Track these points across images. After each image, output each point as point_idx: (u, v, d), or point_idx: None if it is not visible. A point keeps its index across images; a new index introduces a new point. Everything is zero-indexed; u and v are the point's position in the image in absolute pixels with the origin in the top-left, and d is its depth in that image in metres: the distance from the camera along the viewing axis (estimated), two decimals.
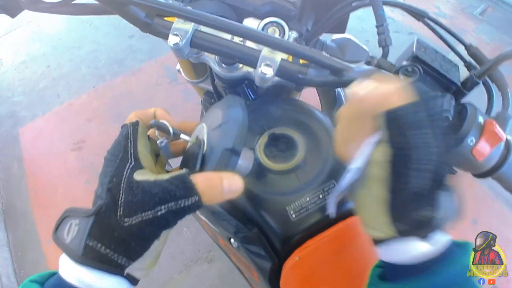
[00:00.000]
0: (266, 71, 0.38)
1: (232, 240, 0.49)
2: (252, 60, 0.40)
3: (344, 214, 0.40)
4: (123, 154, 0.33)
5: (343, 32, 0.61)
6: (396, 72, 0.39)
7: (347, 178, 0.32)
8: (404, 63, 0.38)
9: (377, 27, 0.40)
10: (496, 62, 0.39)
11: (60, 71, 2.29)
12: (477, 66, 0.43)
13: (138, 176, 0.31)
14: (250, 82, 0.58)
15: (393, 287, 0.30)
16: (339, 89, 0.68)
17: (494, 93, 0.43)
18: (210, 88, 0.73)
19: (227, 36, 0.41)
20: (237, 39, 0.43)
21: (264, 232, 0.45)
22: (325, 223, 0.43)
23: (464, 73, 0.42)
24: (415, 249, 0.29)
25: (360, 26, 2.32)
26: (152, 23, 0.41)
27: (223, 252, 0.70)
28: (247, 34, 0.38)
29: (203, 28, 0.41)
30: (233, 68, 0.50)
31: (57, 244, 0.31)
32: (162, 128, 0.36)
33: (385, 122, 0.28)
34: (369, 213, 0.32)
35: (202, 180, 0.31)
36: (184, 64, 0.69)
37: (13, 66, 2.40)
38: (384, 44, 0.39)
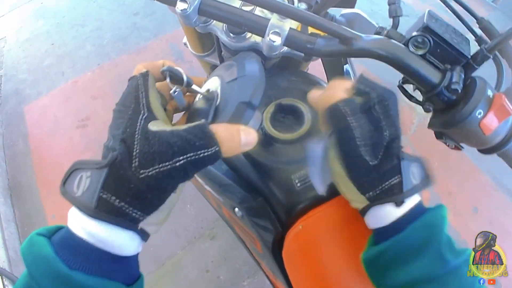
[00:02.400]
0: (274, 39, 0.38)
1: (236, 209, 0.49)
2: (260, 28, 0.39)
3: None
4: (135, 105, 0.31)
5: (353, 7, 0.60)
6: (406, 43, 0.38)
7: (310, 161, 0.39)
8: (414, 33, 0.37)
9: None
10: (507, 36, 0.38)
11: (65, 49, 2.28)
12: (488, 40, 0.43)
13: (154, 126, 0.30)
14: (257, 53, 0.57)
15: (375, 249, 0.35)
16: (347, 66, 0.67)
17: (504, 68, 0.42)
18: (216, 62, 0.72)
19: (236, 4, 0.40)
20: (246, 8, 0.42)
21: (268, 201, 0.46)
22: (330, 193, 0.43)
23: (474, 47, 0.41)
24: (390, 214, 0.34)
25: (369, 8, 2.28)
26: None
27: (227, 224, 0.71)
28: (257, 1, 0.37)
29: None
30: (241, 38, 0.50)
31: (65, 197, 0.29)
32: (176, 75, 0.34)
33: (328, 115, 0.36)
34: (343, 187, 0.36)
35: (221, 130, 0.30)
36: (191, 36, 0.68)
37: (17, 43, 2.41)
38: (395, 14, 0.39)
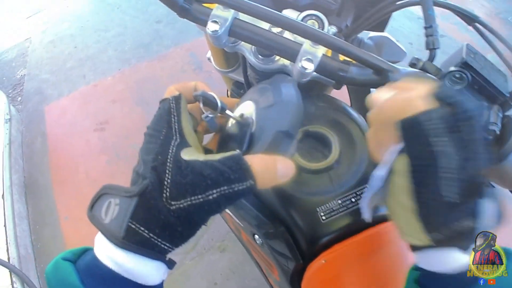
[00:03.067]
0: (306, 66, 0.37)
1: (256, 236, 0.48)
2: (292, 53, 0.39)
3: (375, 220, 0.39)
4: (167, 130, 0.30)
5: (382, 31, 0.60)
6: (442, 78, 0.37)
7: (371, 185, 0.32)
8: (452, 68, 0.36)
9: (425, 28, 0.38)
10: None
11: (87, 52, 2.32)
12: None
13: (186, 155, 0.29)
14: None
15: None
16: (373, 90, 0.66)
17: None
18: (239, 78, 0.72)
19: (265, 26, 0.40)
20: (275, 30, 0.42)
21: (291, 232, 0.44)
22: (355, 228, 0.41)
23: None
24: (454, 261, 0.28)
25: (389, 25, 2.25)
26: (191, 8, 0.40)
27: (242, 245, 0.70)
28: (290, 26, 0.37)
29: (242, 17, 0.40)
30: (269, 60, 0.49)
31: (93, 223, 0.29)
32: (210, 101, 0.32)
33: (401, 131, 0.28)
34: (402, 220, 0.30)
35: (257, 162, 0.28)
36: (216, 52, 0.68)
37: (41, 45, 2.46)
38: (432, 46, 0.38)
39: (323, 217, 0.42)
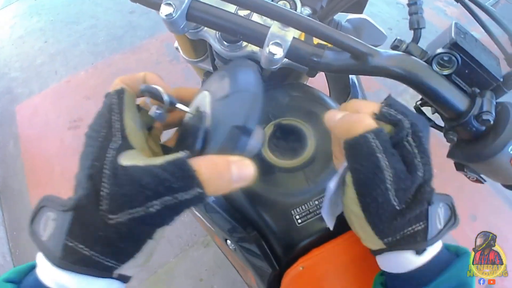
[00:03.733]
0: (275, 51, 0.32)
1: (228, 241, 0.44)
2: (258, 37, 0.33)
3: None
4: (107, 131, 0.26)
5: (361, 13, 0.55)
6: (429, 61, 0.32)
7: (327, 196, 0.33)
8: (440, 50, 0.32)
9: (409, 5, 0.34)
10: None
11: (58, 47, 2.24)
12: None
13: (126, 160, 0.25)
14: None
15: None
16: (353, 77, 0.62)
17: None
18: (210, 68, 0.67)
19: (231, 9, 0.35)
20: (242, 13, 0.36)
21: (265, 237, 0.40)
22: (334, 231, 0.38)
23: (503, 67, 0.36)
24: (409, 262, 0.30)
25: (368, 10, 2.22)
26: None
27: (218, 248, 0.65)
28: (255, 5, 0.31)
29: None
30: (235, 47, 0.44)
31: (33, 240, 0.25)
32: (155, 95, 0.29)
33: (345, 150, 0.30)
34: (358, 227, 0.32)
35: (205, 166, 0.25)
36: (182, 41, 0.62)
37: (10, 41, 2.36)
38: (417, 26, 0.33)
39: (299, 220, 0.38)
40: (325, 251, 0.38)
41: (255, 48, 0.45)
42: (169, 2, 0.33)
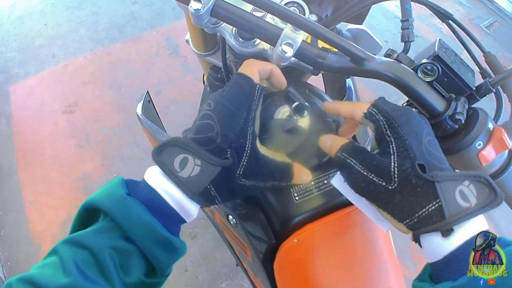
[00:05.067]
0: (286, 50, 0.38)
1: (230, 217, 0.49)
2: (273, 37, 0.39)
3: (347, 201, 0.40)
4: (246, 115, 0.37)
5: (361, 24, 0.61)
6: (415, 69, 0.39)
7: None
8: (424, 60, 0.38)
9: (402, 21, 0.40)
10: None
11: (58, 31, 2.21)
12: (492, 74, 0.44)
13: (260, 148, 0.38)
14: (263, 60, 0.57)
15: None
16: (349, 81, 0.68)
17: (503, 102, 0.44)
18: (217, 62, 0.71)
19: (248, 9, 0.40)
20: (257, 14, 0.42)
21: (264, 211, 0.45)
22: (327, 208, 0.43)
23: (478, 79, 0.42)
24: (440, 247, 0.30)
25: (367, 22, 2.30)
26: None
27: (216, 229, 0.70)
28: (275, 9, 0.37)
29: None
30: (249, 44, 0.49)
31: (162, 169, 0.34)
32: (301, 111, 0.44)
33: (335, 164, 0.39)
34: (386, 217, 0.34)
35: (297, 168, 0.40)
36: (195, 33, 0.67)
37: (9, 20, 2.31)
38: (407, 39, 0.39)
39: (296, 198, 0.44)
40: (318, 226, 0.42)
41: (266, 46, 0.50)
42: None
